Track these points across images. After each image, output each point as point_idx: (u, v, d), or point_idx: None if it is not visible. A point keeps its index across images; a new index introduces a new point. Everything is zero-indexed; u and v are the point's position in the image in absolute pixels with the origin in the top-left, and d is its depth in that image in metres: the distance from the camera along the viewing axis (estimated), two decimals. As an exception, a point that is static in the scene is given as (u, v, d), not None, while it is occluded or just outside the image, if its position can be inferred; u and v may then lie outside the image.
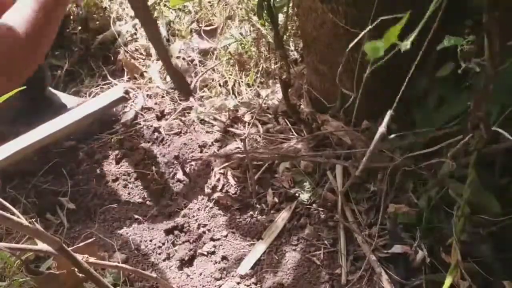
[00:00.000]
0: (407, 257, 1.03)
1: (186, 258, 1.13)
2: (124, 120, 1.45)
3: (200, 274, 1.11)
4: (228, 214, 1.21)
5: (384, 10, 0.85)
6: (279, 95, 1.41)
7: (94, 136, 1.42)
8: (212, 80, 1.53)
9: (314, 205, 1.18)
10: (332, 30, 1.11)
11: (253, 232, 1.17)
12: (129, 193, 1.29)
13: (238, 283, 1.09)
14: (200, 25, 1.68)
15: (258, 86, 1.50)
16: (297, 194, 1.20)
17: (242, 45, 1.56)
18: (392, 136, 1.02)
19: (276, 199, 1.21)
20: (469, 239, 0.96)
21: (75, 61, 1.64)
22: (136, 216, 1.23)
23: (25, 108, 1.32)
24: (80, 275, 0.65)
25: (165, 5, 1.74)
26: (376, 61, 0.55)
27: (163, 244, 1.17)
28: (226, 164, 1.25)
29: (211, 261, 1.13)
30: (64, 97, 1.43)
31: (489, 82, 0.66)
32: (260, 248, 1.13)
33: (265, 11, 1.13)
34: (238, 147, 1.28)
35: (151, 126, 1.42)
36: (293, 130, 1.33)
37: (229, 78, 1.52)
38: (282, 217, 1.17)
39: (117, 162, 1.35)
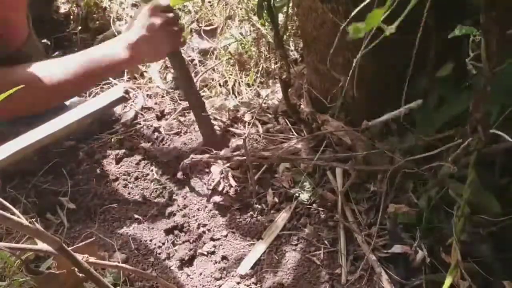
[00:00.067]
0: (407, 257, 1.03)
1: (186, 258, 1.13)
2: (124, 120, 1.45)
3: (200, 274, 1.11)
4: (228, 214, 1.21)
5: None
6: (279, 95, 1.41)
7: (94, 136, 1.42)
8: (212, 80, 1.53)
9: (314, 205, 1.19)
10: (332, 30, 1.11)
11: (253, 232, 1.17)
12: (129, 193, 1.29)
13: (238, 283, 1.09)
14: (200, 25, 1.69)
15: (258, 86, 1.50)
16: (297, 194, 1.20)
17: (242, 45, 1.56)
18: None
19: (276, 199, 1.21)
20: (469, 239, 0.96)
21: (75, 61, 1.64)
22: (136, 216, 1.23)
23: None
24: (80, 275, 0.65)
25: (165, 5, 1.74)
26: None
27: (163, 244, 1.17)
28: (227, 164, 1.25)
29: (211, 261, 1.13)
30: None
31: (487, 83, 0.66)
32: (260, 248, 1.13)
33: (265, 11, 1.13)
34: (239, 147, 1.28)
35: (151, 126, 1.42)
36: (293, 130, 1.33)
37: (229, 78, 1.52)
38: (282, 217, 1.17)
39: (117, 162, 1.35)
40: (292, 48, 1.56)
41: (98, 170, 1.34)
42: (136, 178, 1.32)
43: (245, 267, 1.11)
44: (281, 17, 1.30)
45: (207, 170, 1.28)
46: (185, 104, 1.46)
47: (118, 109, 1.47)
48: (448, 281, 0.84)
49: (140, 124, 1.44)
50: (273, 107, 1.40)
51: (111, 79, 1.56)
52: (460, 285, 0.87)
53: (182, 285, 1.09)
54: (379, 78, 1.13)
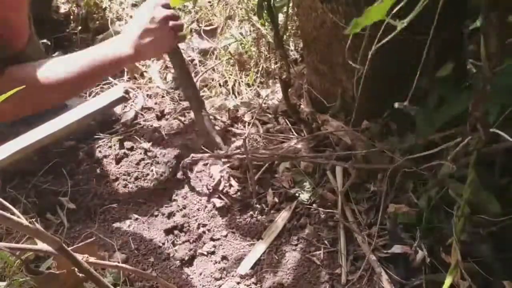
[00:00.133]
0: (407, 257, 1.03)
1: (186, 258, 1.14)
2: (124, 120, 1.45)
3: (200, 274, 1.11)
4: (228, 214, 1.21)
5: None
6: (279, 95, 1.41)
7: (94, 136, 1.42)
8: (212, 80, 1.53)
9: (314, 205, 1.19)
10: (332, 30, 1.11)
11: (253, 232, 1.17)
12: (129, 193, 1.29)
13: (238, 283, 1.09)
14: (200, 25, 1.69)
15: (258, 86, 1.50)
16: (297, 194, 1.20)
17: (242, 45, 1.56)
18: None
19: (276, 199, 1.21)
20: (469, 239, 0.96)
21: (75, 61, 1.64)
22: (136, 216, 1.23)
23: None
24: (80, 275, 0.65)
25: (165, 5, 1.74)
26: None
27: (163, 244, 1.17)
28: (227, 164, 1.25)
29: (211, 261, 1.13)
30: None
31: (487, 83, 0.66)
32: (260, 248, 1.13)
33: (265, 11, 1.13)
34: (239, 147, 1.28)
35: (151, 126, 1.42)
36: (293, 130, 1.33)
37: (229, 78, 1.52)
38: (282, 217, 1.17)
39: (117, 162, 1.35)
40: (292, 48, 1.56)
41: (98, 170, 1.34)
42: (136, 178, 1.32)
43: (245, 267, 1.11)
44: (281, 17, 1.30)
45: (207, 170, 1.28)
46: (185, 104, 1.46)
47: (118, 109, 1.47)
48: (448, 281, 0.84)
49: (140, 124, 1.44)
50: (273, 107, 1.40)
51: (111, 79, 1.56)
52: (460, 285, 0.87)
53: (182, 285, 1.09)
54: (380, 78, 1.13)
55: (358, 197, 1.17)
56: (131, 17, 1.72)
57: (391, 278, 1.02)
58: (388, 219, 1.09)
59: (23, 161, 1.23)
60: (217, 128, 1.36)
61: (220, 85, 1.51)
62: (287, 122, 1.36)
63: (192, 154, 1.26)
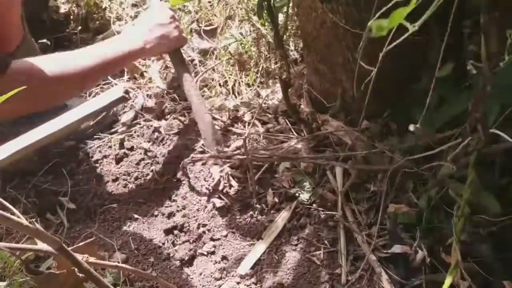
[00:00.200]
0: (407, 257, 1.03)
1: (186, 258, 1.14)
2: (124, 120, 1.45)
3: (200, 274, 1.11)
4: (228, 214, 1.21)
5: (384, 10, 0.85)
6: (279, 95, 1.41)
7: (94, 136, 1.42)
8: (212, 80, 1.53)
9: (314, 205, 1.18)
10: (332, 30, 1.11)
11: (253, 232, 1.17)
12: (129, 193, 1.29)
13: (238, 283, 1.09)
14: (200, 25, 1.68)
15: (258, 86, 1.50)
16: (297, 194, 1.20)
17: (242, 45, 1.56)
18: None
19: (276, 199, 1.21)
20: (469, 239, 0.96)
21: (75, 61, 1.64)
22: (136, 216, 1.23)
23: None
24: (80, 275, 0.65)
25: (165, 5, 1.74)
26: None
27: (163, 244, 1.17)
28: (227, 164, 1.25)
29: (211, 261, 1.13)
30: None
31: (487, 83, 0.66)
32: (260, 248, 1.13)
33: (265, 11, 1.13)
34: (239, 147, 1.29)
35: (151, 126, 1.42)
36: (293, 130, 1.33)
37: (229, 78, 1.52)
38: (282, 217, 1.17)
39: (117, 162, 1.35)
40: (292, 48, 1.56)
41: (98, 170, 1.34)
42: (136, 178, 1.32)
43: (245, 267, 1.11)
44: (281, 17, 1.30)
45: (207, 170, 1.28)
46: (185, 104, 1.46)
47: (118, 109, 1.47)
48: (448, 281, 0.84)
49: (140, 124, 1.44)
50: (273, 107, 1.40)
51: (110, 78, 1.56)
52: (460, 285, 0.87)
53: (182, 285, 1.09)
54: (380, 78, 1.13)
55: (358, 197, 1.17)
56: (131, 17, 1.72)
57: (391, 278, 1.02)
58: (388, 219, 1.10)
59: (23, 161, 1.23)
60: (217, 127, 1.37)
61: (220, 85, 1.51)
62: (287, 122, 1.36)
63: (192, 154, 1.26)
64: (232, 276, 1.10)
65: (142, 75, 1.58)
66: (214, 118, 1.40)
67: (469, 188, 0.86)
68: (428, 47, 0.90)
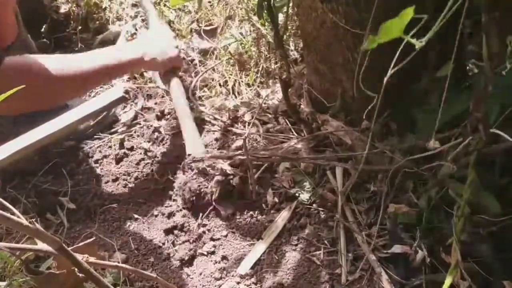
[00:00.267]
0: (407, 257, 1.03)
1: (186, 258, 1.13)
2: (124, 120, 1.45)
3: (200, 274, 1.11)
4: (228, 214, 1.21)
5: (384, 10, 0.85)
6: (279, 95, 1.41)
7: (94, 136, 1.42)
8: (212, 80, 1.53)
9: (314, 205, 1.18)
10: (332, 30, 1.11)
11: (253, 232, 1.17)
12: (129, 193, 1.29)
13: (238, 283, 1.09)
14: (200, 25, 1.69)
15: (258, 86, 1.50)
16: (297, 194, 1.20)
17: (242, 45, 1.56)
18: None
19: (276, 199, 1.21)
20: (469, 239, 0.96)
21: (75, 61, 1.64)
22: (136, 216, 1.23)
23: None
24: (80, 275, 0.65)
25: (165, 5, 1.74)
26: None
27: (163, 244, 1.17)
28: (227, 164, 1.25)
29: (211, 261, 1.13)
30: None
31: (488, 83, 0.66)
32: (260, 248, 1.13)
33: (265, 11, 1.13)
34: (239, 147, 1.28)
35: (151, 126, 1.42)
36: (293, 130, 1.33)
37: (229, 78, 1.52)
38: (282, 217, 1.17)
39: (117, 162, 1.35)
40: (292, 48, 1.56)
41: (98, 170, 1.34)
42: (136, 178, 1.32)
43: (245, 267, 1.11)
44: (281, 17, 1.30)
45: (207, 170, 1.28)
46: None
47: (118, 109, 1.47)
48: (448, 281, 0.84)
49: (140, 124, 1.44)
50: (273, 107, 1.40)
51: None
52: (460, 285, 0.87)
53: (182, 285, 1.09)
54: (380, 78, 1.13)
55: (358, 197, 1.17)
56: (131, 17, 1.72)
57: (391, 278, 1.02)
58: (388, 219, 1.09)
59: (23, 161, 1.23)
60: (217, 128, 1.37)
61: (220, 85, 1.51)
62: (287, 122, 1.36)
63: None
64: (232, 276, 1.10)
65: (142, 75, 1.58)
66: (214, 118, 1.40)
67: (469, 188, 0.86)
68: (428, 47, 0.89)
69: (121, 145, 1.39)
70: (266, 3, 1.10)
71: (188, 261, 1.14)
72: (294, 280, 1.07)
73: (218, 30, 1.65)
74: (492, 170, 0.98)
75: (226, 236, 1.17)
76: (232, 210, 1.20)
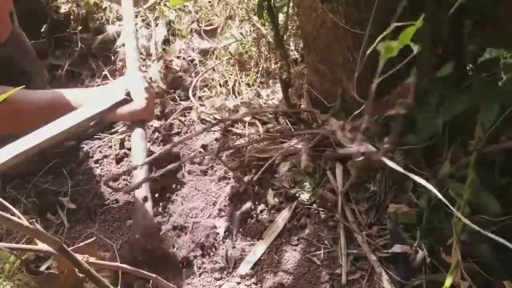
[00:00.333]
0: (407, 257, 1.03)
1: (186, 258, 1.13)
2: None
3: (200, 274, 1.11)
4: (228, 214, 1.21)
5: (384, 10, 0.85)
6: (279, 95, 1.42)
7: (94, 136, 1.42)
8: (212, 80, 1.53)
9: (314, 205, 1.18)
10: (332, 30, 1.11)
11: (253, 232, 1.17)
12: (129, 193, 1.29)
13: (238, 283, 1.09)
14: (200, 25, 1.69)
15: (258, 86, 1.50)
16: (297, 194, 1.20)
17: (242, 45, 1.56)
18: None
19: (276, 199, 1.21)
20: (469, 239, 0.96)
21: (75, 61, 1.64)
22: (136, 216, 1.23)
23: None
24: (80, 275, 0.65)
25: (165, 5, 1.74)
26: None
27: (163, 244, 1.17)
28: (227, 163, 1.25)
29: (211, 261, 1.13)
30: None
31: (488, 83, 0.66)
32: (260, 248, 1.13)
33: (266, 11, 1.13)
34: (239, 147, 1.28)
35: (151, 126, 1.42)
36: (293, 130, 1.33)
37: (229, 78, 1.52)
38: (282, 217, 1.17)
39: (117, 162, 1.35)
40: (292, 48, 1.56)
41: (98, 170, 1.34)
42: (136, 178, 1.31)
43: (245, 267, 1.11)
44: (281, 17, 1.30)
45: (207, 170, 1.28)
46: (185, 104, 1.47)
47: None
48: (448, 281, 0.84)
49: (140, 124, 1.44)
50: (273, 107, 1.40)
51: (111, 79, 1.56)
52: (460, 285, 0.87)
53: (182, 285, 1.09)
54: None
55: (358, 197, 1.17)
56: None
57: (391, 278, 1.02)
58: (388, 219, 1.10)
59: (23, 162, 1.22)
60: (217, 128, 1.36)
61: (220, 85, 1.51)
62: (287, 122, 1.36)
63: (192, 155, 1.26)
64: (232, 276, 1.10)
65: (142, 75, 1.57)
66: (214, 118, 1.40)
67: (469, 188, 0.86)
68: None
69: (121, 145, 1.39)
70: (266, 3, 1.11)
71: (188, 261, 1.13)
72: (294, 280, 1.07)
73: (218, 30, 1.65)
74: (492, 170, 0.98)
75: (226, 236, 1.17)
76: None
